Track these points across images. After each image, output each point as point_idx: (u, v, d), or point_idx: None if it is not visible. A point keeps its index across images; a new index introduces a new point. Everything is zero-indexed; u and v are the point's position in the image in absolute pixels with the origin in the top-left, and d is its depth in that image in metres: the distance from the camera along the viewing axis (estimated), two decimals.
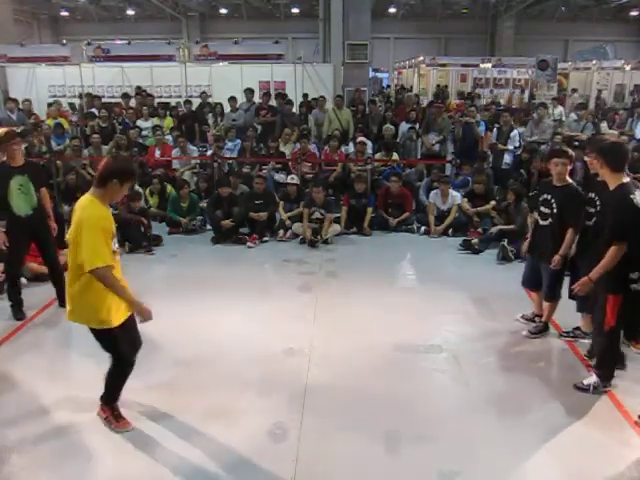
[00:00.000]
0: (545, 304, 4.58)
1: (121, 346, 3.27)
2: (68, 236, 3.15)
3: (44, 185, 5.08)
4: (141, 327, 3.41)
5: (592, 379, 3.77)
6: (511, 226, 6.77)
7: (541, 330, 4.60)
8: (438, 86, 19.84)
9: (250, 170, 8.95)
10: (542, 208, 4.38)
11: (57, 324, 4.89)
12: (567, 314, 4.60)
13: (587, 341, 4.40)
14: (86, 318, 3.21)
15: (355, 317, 4.98)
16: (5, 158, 4.71)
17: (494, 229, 6.93)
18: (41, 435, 3.36)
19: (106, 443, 3.28)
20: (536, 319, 4.72)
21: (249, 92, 10.86)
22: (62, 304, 5.17)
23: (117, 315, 3.17)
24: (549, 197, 4.32)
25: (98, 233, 2.99)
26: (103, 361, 3.64)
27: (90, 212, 3.04)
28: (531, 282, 4.69)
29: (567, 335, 4.56)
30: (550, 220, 4.31)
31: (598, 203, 3.89)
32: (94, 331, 3.23)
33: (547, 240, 4.34)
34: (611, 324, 3.54)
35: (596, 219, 3.89)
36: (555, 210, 4.27)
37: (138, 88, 13.21)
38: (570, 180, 4.34)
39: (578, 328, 4.54)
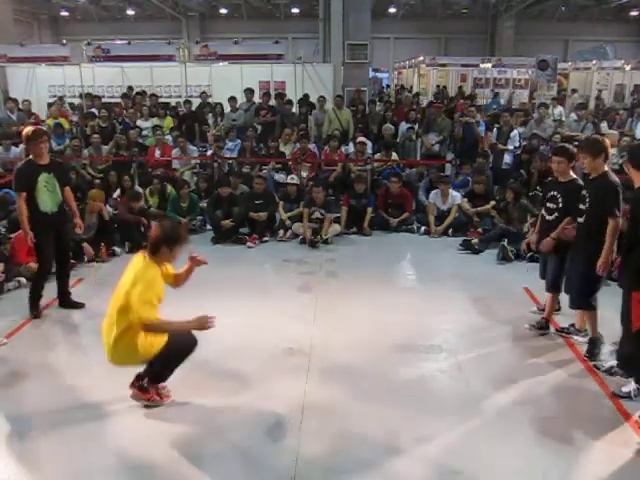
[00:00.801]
0: (547, 295, 4.65)
1: (175, 351, 3.43)
2: (118, 290, 3.35)
3: (68, 184, 5.17)
4: None
5: (631, 386, 3.71)
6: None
7: (542, 326, 4.63)
8: (438, 86, 19.84)
9: (250, 170, 8.95)
10: (548, 204, 4.51)
11: (58, 323, 4.90)
12: (567, 312, 4.63)
13: (581, 338, 4.47)
14: (139, 359, 3.40)
15: (355, 317, 4.98)
16: (32, 156, 4.78)
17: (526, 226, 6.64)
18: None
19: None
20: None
21: (249, 92, 10.87)
22: (62, 303, 5.17)
23: (159, 341, 3.38)
24: (555, 193, 4.46)
25: (151, 291, 3.23)
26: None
27: (144, 271, 3.28)
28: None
29: (562, 331, 4.62)
30: (556, 214, 4.42)
31: (588, 200, 4.06)
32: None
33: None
34: (638, 325, 3.45)
35: (587, 216, 4.06)
36: (561, 205, 4.39)
37: (129, 89, 13.10)
38: (574, 175, 4.44)
39: (573, 325, 4.59)
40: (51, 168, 4.85)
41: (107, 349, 3.39)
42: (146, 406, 3.55)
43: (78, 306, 5.14)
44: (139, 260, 3.37)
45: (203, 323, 3.32)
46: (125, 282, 3.31)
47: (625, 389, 3.72)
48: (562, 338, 4.54)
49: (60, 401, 3.69)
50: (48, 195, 4.81)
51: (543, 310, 4.81)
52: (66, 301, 5.17)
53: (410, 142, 9.60)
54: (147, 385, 3.55)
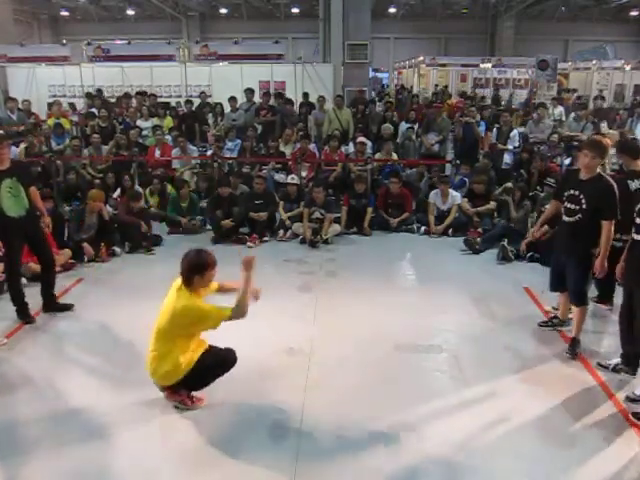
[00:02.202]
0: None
1: (209, 366, 3.54)
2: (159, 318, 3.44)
3: (32, 184, 4.99)
4: (137, 329, 3.38)
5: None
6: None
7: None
8: (437, 86, 19.85)
9: (250, 170, 8.95)
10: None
11: (59, 323, 4.89)
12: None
13: (566, 329, 4.56)
14: (173, 378, 3.47)
15: (355, 317, 4.98)
16: None
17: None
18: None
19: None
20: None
21: (249, 92, 10.87)
22: (46, 308, 5.04)
23: (192, 358, 3.48)
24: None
25: (202, 308, 3.41)
26: (107, 358, 3.64)
27: (185, 301, 3.40)
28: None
29: (545, 325, 4.71)
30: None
31: (584, 202, 4.03)
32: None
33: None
34: None
35: (580, 217, 4.06)
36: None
37: (98, 91, 13.13)
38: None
39: (556, 317, 4.66)
40: (13, 172, 4.66)
41: (152, 372, 3.48)
42: (176, 407, 3.56)
43: (65, 308, 5.02)
44: (178, 293, 3.45)
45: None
46: (167, 311, 3.42)
47: (638, 392, 3.66)
48: (562, 337, 4.54)
49: (60, 403, 3.68)
50: (13, 200, 4.63)
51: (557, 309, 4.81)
52: (49, 305, 5.02)
53: (410, 142, 9.61)
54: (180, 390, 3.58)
